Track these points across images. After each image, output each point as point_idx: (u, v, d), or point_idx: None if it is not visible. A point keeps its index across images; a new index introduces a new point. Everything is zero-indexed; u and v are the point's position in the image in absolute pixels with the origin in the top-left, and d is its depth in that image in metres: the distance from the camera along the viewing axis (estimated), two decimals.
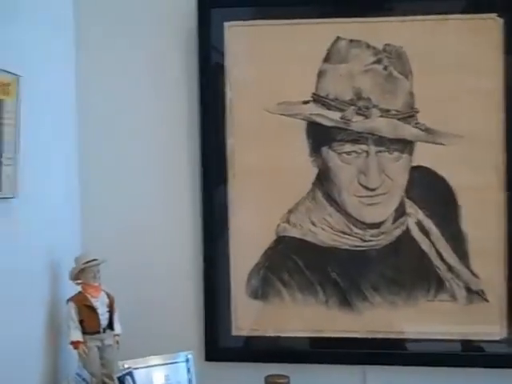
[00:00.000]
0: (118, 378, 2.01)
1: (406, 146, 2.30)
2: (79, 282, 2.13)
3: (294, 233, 2.33)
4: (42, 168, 2.14)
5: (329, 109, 2.31)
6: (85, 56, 2.44)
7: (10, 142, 1.87)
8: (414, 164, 2.30)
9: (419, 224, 2.31)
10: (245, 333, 2.36)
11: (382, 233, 2.31)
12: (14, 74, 1.89)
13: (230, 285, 2.35)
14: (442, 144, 2.28)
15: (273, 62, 2.34)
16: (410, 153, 2.30)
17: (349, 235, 2.32)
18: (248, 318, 2.36)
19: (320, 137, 2.32)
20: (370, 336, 2.32)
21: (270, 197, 2.35)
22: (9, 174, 1.87)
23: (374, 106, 2.29)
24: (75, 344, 2.06)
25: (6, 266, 1.89)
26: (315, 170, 2.32)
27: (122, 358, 2.11)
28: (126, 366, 2.09)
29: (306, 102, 2.33)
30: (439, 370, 2.28)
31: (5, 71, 1.84)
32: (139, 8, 2.44)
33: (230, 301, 2.36)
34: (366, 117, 2.29)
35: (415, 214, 2.31)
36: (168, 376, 2.17)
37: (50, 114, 2.21)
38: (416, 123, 2.29)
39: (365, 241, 2.31)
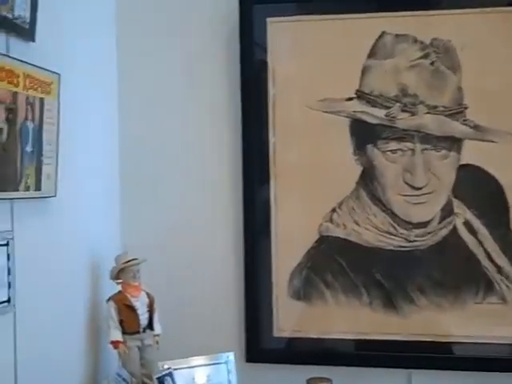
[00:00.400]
0: (158, 379, 1.98)
1: (453, 143, 2.22)
2: (119, 281, 2.12)
3: (338, 232, 2.28)
4: (82, 167, 2.14)
5: (373, 106, 2.25)
6: (126, 55, 2.43)
7: (50, 141, 1.86)
8: (463, 162, 2.22)
9: (467, 224, 2.24)
10: (286, 334, 2.32)
11: (428, 233, 2.24)
12: (55, 72, 1.88)
13: (272, 285, 2.31)
14: (492, 141, 2.19)
15: (316, 58, 2.29)
16: (458, 151, 2.22)
17: (394, 235, 2.25)
18: (290, 319, 2.31)
19: (364, 134, 2.26)
20: (415, 339, 2.25)
21: (312, 196, 2.30)
22: (49, 174, 1.86)
23: (421, 103, 2.22)
24: (115, 344, 2.06)
25: (46, 265, 1.88)
26: (359, 169, 2.27)
27: (161, 358, 2.09)
28: (165, 366, 2.06)
29: (349, 99, 2.27)
30: (487, 375, 2.21)
31: (46, 70, 1.84)
32: (181, 6, 2.42)
33: (272, 302, 2.32)
34: (412, 114, 2.23)
35: (463, 214, 2.24)
36: (208, 377, 2.13)
37: (90, 112, 2.20)
38: (464, 120, 2.21)
39: (410, 241, 2.24)
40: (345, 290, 2.27)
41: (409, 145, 2.23)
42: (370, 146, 2.26)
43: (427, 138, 2.22)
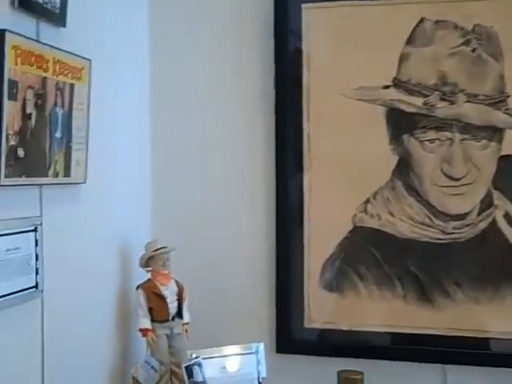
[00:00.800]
0: (186, 368, 1.97)
1: (494, 133, 2.14)
2: (149, 269, 2.11)
3: (372, 223, 2.23)
4: (113, 154, 2.13)
5: (411, 94, 2.18)
6: (159, 40, 2.41)
7: (80, 127, 1.86)
8: (504, 153, 2.14)
9: (507, 216, 2.16)
10: (318, 325, 2.28)
11: (466, 225, 2.17)
12: (85, 58, 1.87)
13: (304, 276, 2.28)
14: None
15: (352, 45, 2.23)
16: (499, 141, 2.14)
17: (430, 227, 2.19)
18: (321, 310, 2.27)
19: (401, 124, 2.20)
20: (451, 334, 2.19)
21: (346, 185, 2.25)
22: (78, 160, 1.85)
23: (461, 91, 2.14)
24: (144, 332, 2.05)
25: (75, 251, 1.88)
26: (395, 159, 2.21)
27: (191, 347, 2.07)
28: (194, 355, 2.04)
29: (386, 87, 2.21)
30: None
31: (76, 55, 1.83)
32: None
33: (303, 292, 2.28)
34: (452, 102, 2.15)
35: (503, 206, 2.16)
36: (237, 367, 2.10)
37: (121, 98, 2.19)
38: (507, 109, 2.13)
39: (447, 233, 2.18)
40: (378, 281, 2.22)
41: (447, 134, 2.16)
42: (406, 136, 2.19)
43: (467, 128, 2.15)
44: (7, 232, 1.56)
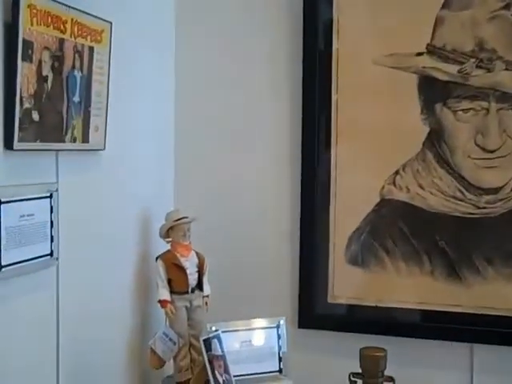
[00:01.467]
0: (204, 341, 1.91)
1: None
2: (169, 240, 2.06)
3: (400, 196, 2.15)
4: (135, 122, 2.06)
5: (445, 61, 2.09)
6: (184, 3, 2.32)
7: (100, 92, 1.79)
8: None
9: None
10: (342, 301, 2.22)
11: (500, 199, 2.08)
12: (106, 20, 1.80)
13: (329, 249, 2.21)
14: None
15: (383, 10, 2.14)
16: None
17: (461, 201, 2.10)
18: (346, 285, 2.21)
19: (433, 92, 2.10)
20: (480, 312, 2.11)
21: (375, 156, 2.17)
22: (97, 126, 1.80)
23: (499, 58, 2.04)
24: (163, 303, 2.00)
25: (93, 220, 1.84)
26: (426, 129, 2.12)
27: (211, 320, 2.03)
28: (213, 328, 2.00)
29: (419, 54, 2.11)
30: None
31: (96, 17, 1.76)
32: None
33: (328, 266, 2.22)
34: (489, 70, 2.05)
35: None
36: (258, 341, 2.07)
37: (144, 64, 2.12)
38: None
39: (479, 208, 2.09)
40: (405, 257, 2.15)
41: (483, 104, 2.06)
42: (439, 105, 2.11)
43: (504, 97, 2.05)
44: (21, 198, 1.52)
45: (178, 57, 2.34)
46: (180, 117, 2.35)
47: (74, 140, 1.69)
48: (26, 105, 1.49)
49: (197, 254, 2.07)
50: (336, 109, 2.19)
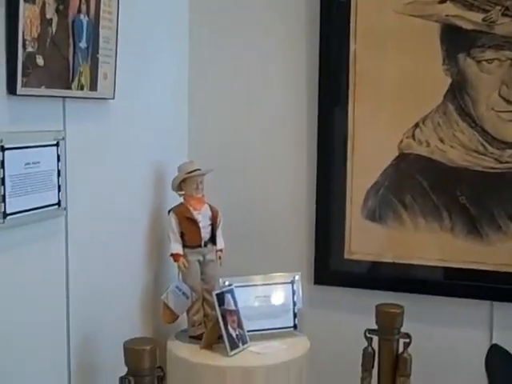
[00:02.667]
0: (217, 295, 1.89)
1: None
2: (181, 192, 2.01)
3: (420, 150, 2.09)
4: (146, 71, 2.00)
5: (469, 9, 2.00)
6: None
7: (108, 38, 1.73)
8: None
9: None
10: (358, 257, 2.18)
11: None
12: None
13: (345, 204, 2.16)
14: None
15: None
16: None
17: (483, 155, 2.03)
18: (363, 241, 2.16)
19: (456, 42, 2.02)
20: (501, 269, 2.05)
21: (394, 109, 2.10)
22: (106, 73, 1.74)
23: None
24: (175, 257, 1.97)
25: (102, 170, 1.79)
26: (448, 81, 2.04)
27: (224, 274, 2.00)
28: (226, 283, 1.97)
29: (442, 2, 2.02)
30: None
31: None
32: None
33: (344, 222, 2.17)
34: None
35: None
36: (272, 297, 2.03)
37: (157, 11, 2.04)
38: None
39: (502, 162, 2.02)
40: (424, 212, 2.10)
41: (508, 54, 1.99)
42: (462, 55, 2.03)
43: None
44: (26, 145, 1.47)
45: (191, 3, 2.26)
46: (194, 66, 2.29)
47: (81, 87, 1.64)
48: (29, 48, 1.44)
49: (210, 207, 2.02)
50: (354, 59, 2.12)
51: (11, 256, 1.46)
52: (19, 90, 1.42)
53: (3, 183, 1.41)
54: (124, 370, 1.56)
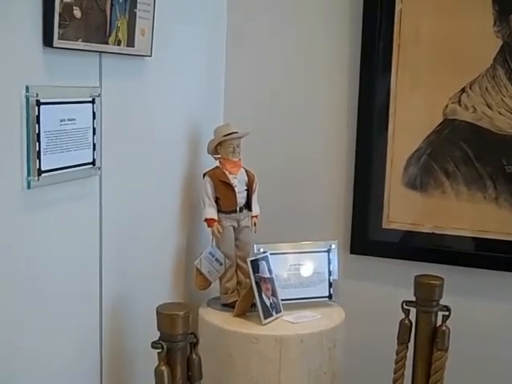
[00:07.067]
0: (252, 262, 1.85)
1: None
2: (217, 156, 1.96)
3: (465, 116, 2.02)
4: (184, 27, 1.94)
5: None
6: None
7: None
8: None
9: None
10: (397, 226, 2.12)
11: None
12: None
13: (385, 171, 2.11)
14: None
15: None
16: None
17: None
18: (402, 210, 2.11)
19: (509, 2, 1.94)
20: None
21: (440, 73, 2.03)
22: (143, 29, 1.68)
23: None
24: (209, 222, 1.92)
25: (138, 129, 1.74)
26: (499, 43, 1.96)
27: (258, 241, 1.95)
28: (261, 250, 1.92)
29: None
30: None
31: None
32: None
33: (384, 190, 2.11)
34: None
35: None
36: (307, 265, 1.98)
37: None
38: None
39: None
40: (468, 181, 2.04)
41: None
42: None
43: None
44: (61, 100, 1.43)
45: None
46: (233, 25, 2.24)
47: (118, 43, 1.59)
48: None
49: (246, 171, 1.97)
50: (399, 19, 2.05)
51: (45, 214, 1.43)
52: (56, 42, 1.37)
53: (38, 139, 1.36)
54: (156, 335, 1.53)
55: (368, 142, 2.11)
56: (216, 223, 1.92)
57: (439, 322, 1.85)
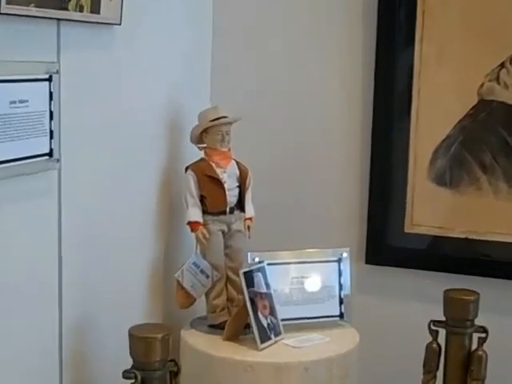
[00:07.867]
0: (245, 274, 1.88)
1: None
2: (203, 145, 1.99)
3: (505, 96, 2.07)
4: None
5: None
6: None
7: None
8: None
9: None
10: (423, 230, 2.18)
11: None
12: None
13: (408, 165, 2.16)
14: None
15: None
16: None
17: None
18: (429, 210, 2.16)
19: None
20: None
21: (474, 45, 2.09)
22: None
23: None
24: (193, 225, 1.96)
25: (105, 113, 1.78)
26: None
27: (253, 249, 1.98)
28: (257, 259, 1.96)
29: None
30: None
31: None
32: None
33: (406, 186, 2.16)
34: None
35: None
36: (313, 277, 2.02)
37: None
38: None
39: None
40: (508, 176, 2.09)
41: None
42: None
43: None
44: (11, 78, 1.45)
45: None
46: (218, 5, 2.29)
47: (80, 9, 1.62)
48: None
49: (238, 164, 2.01)
50: None
51: None
52: (3, 7, 1.39)
53: None
54: (129, 363, 1.56)
55: (386, 130, 2.16)
56: (201, 227, 1.95)
57: (474, 346, 1.91)
